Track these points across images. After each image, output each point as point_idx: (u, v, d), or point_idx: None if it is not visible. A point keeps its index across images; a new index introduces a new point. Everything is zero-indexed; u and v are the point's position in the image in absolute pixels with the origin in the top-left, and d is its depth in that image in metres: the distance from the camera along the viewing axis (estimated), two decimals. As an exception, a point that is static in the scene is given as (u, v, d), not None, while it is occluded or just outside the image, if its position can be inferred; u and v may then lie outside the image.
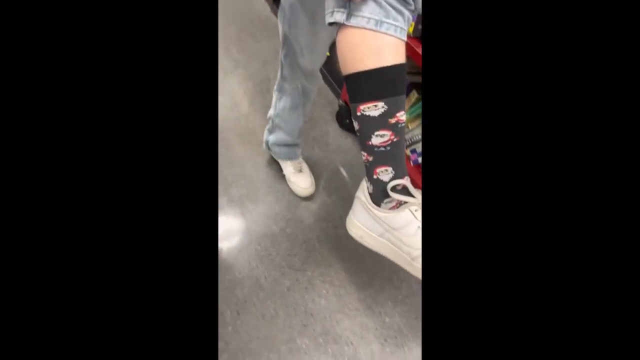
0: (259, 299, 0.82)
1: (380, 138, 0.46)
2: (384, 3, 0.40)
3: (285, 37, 0.74)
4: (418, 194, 0.49)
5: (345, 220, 0.57)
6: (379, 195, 0.50)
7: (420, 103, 0.89)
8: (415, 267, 0.50)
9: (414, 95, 0.91)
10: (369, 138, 0.46)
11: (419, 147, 0.90)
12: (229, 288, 0.83)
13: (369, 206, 0.51)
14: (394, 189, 0.48)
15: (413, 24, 0.78)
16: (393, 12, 0.41)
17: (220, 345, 0.74)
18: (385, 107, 0.44)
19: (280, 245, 0.91)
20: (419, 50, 0.76)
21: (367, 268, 0.90)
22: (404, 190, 0.49)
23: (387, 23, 0.41)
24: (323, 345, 0.77)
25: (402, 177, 0.49)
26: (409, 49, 0.77)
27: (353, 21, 0.41)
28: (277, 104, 0.88)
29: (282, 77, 0.82)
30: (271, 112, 0.92)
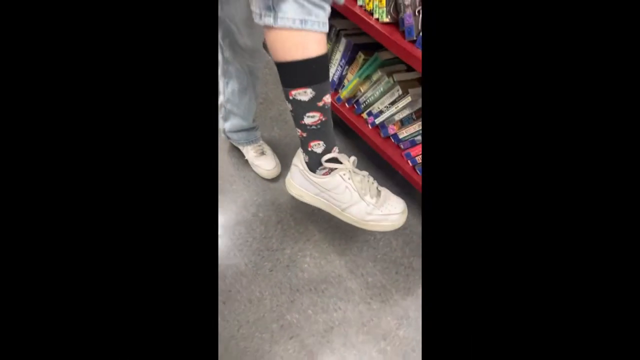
0: (243, 286, 0.82)
1: (311, 118, 0.53)
2: (305, 3, 0.44)
3: (220, 20, 0.71)
4: (344, 159, 0.60)
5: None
6: (314, 164, 0.60)
7: (368, 63, 0.88)
8: (345, 215, 0.64)
9: (361, 57, 0.90)
10: (302, 118, 0.54)
11: (374, 109, 0.90)
12: (210, 281, 0.83)
13: (307, 173, 0.61)
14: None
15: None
16: (315, 9, 0.45)
17: (212, 336, 0.75)
18: (314, 92, 0.50)
19: (255, 230, 0.91)
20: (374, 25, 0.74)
21: (343, 234, 0.92)
22: (334, 159, 0.60)
23: (310, 21, 0.45)
24: (313, 316, 0.80)
25: (331, 149, 0.59)
26: (352, 14, 0.76)
27: (280, 23, 0.45)
28: (225, 89, 0.84)
29: (225, 60, 0.79)
30: (221, 99, 0.89)
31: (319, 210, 0.84)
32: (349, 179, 0.60)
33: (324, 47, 0.49)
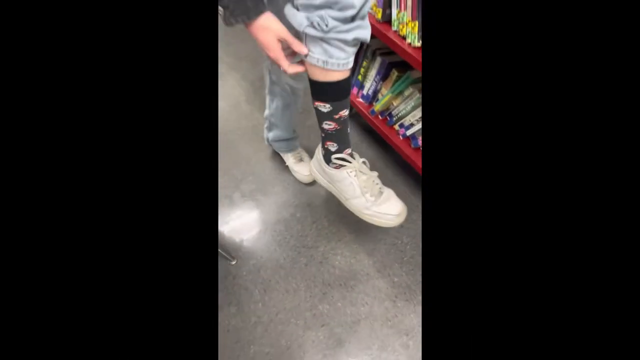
0: (281, 277, 0.93)
1: (328, 125, 0.66)
2: (329, 48, 0.54)
3: None
4: (353, 160, 0.72)
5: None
6: (328, 158, 0.73)
7: (401, 80, 0.95)
8: (348, 204, 0.77)
9: (394, 74, 0.97)
10: (321, 123, 0.67)
11: (405, 122, 0.97)
12: (253, 271, 0.95)
13: (322, 163, 0.74)
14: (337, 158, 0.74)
15: (380, 10, 0.84)
16: (336, 52, 0.54)
17: (254, 319, 0.87)
18: (331, 107, 0.62)
19: (293, 229, 1.02)
20: (393, 38, 0.82)
21: (373, 237, 1.00)
22: (343, 159, 0.73)
23: (331, 62, 0.55)
24: (342, 309, 0.89)
25: (343, 150, 0.70)
26: (387, 38, 0.84)
27: (309, 60, 0.57)
28: (271, 105, 0.96)
29: (271, 81, 0.90)
30: (267, 112, 1.01)
31: (352, 213, 0.94)
32: (354, 176, 0.72)
33: (344, 74, 0.59)
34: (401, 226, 1.01)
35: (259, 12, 0.50)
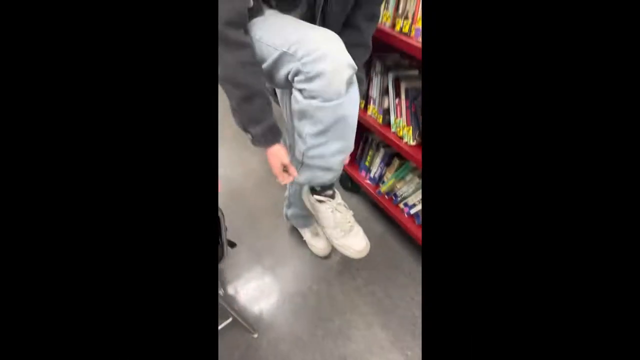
0: (300, 350, 0.98)
1: None
2: (313, 174, 0.77)
3: (290, 147, 1.01)
4: (332, 200, 0.89)
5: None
6: (313, 193, 0.90)
7: (402, 168, 1.12)
8: (323, 231, 0.90)
9: (396, 162, 1.14)
10: None
11: (409, 202, 1.11)
12: (273, 343, 1.00)
13: (308, 195, 0.91)
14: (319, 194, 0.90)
15: (381, 116, 1.04)
16: (317, 179, 0.78)
17: (273, 394, 0.90)
18: None
19: (309, 301, 1.09)
20: (388, 135, 1.01)
21: (385, 309, 1.06)
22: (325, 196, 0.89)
23: (313, 182, 0.79)
24: (358, 384, 0.91)
25: (324, 192, 0.87)
26: (388, 137, 1.03)
27: (296, 180, 0.79)
28: (290, 188, 1.13)
29: None
30: (286, 192, 1.17)
31: (365, 285, 1.01)
32: (331, 212, 0.87)
33: None
34: (412, 298, 1.08)
35: (275, 141, 0.72)
